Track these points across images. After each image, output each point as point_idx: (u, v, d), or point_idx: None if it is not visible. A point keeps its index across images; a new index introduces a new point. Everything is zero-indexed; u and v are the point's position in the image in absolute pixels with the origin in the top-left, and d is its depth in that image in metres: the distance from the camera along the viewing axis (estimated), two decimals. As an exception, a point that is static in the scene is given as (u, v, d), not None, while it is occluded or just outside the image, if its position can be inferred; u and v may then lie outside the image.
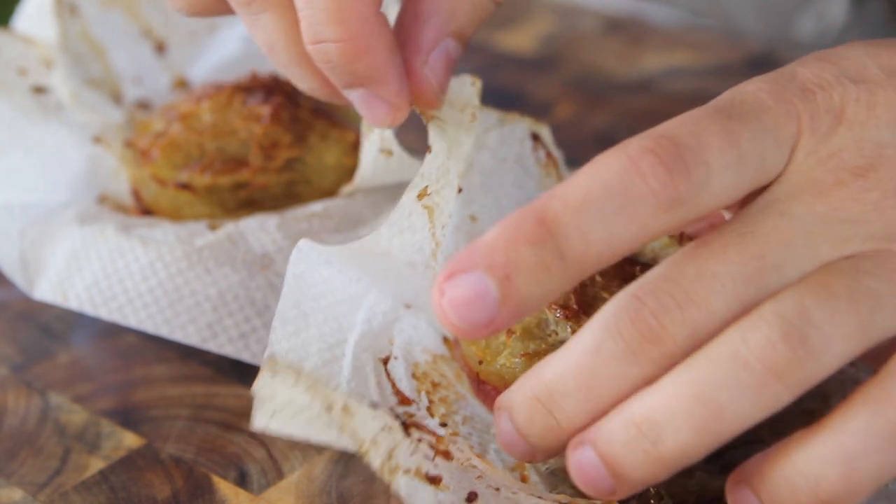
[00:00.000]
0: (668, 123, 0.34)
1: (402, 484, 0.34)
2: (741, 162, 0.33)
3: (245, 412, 0.46)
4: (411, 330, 0.42)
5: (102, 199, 0.52)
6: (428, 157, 0.41)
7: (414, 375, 0.41)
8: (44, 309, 0.52)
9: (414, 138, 0.64)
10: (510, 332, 0.39)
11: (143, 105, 0.57)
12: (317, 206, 0.48)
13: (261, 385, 0.35)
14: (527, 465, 0.38)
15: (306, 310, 0.40)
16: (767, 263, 0.33)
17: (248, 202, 0.50)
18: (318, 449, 0.43)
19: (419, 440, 0.36)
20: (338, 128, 0.51)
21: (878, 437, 0.32)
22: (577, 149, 0.64)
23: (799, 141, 0.35)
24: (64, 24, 0.56)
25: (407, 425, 0.37)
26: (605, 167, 0.33)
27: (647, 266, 0.40)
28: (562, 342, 0.39)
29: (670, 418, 0.32)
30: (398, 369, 0.40)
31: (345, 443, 0.35)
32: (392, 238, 0.41)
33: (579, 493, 0.37)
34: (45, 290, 0.47)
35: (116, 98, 0.57)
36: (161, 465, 0.43)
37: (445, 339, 0.42)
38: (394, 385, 0.40)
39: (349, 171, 0.50)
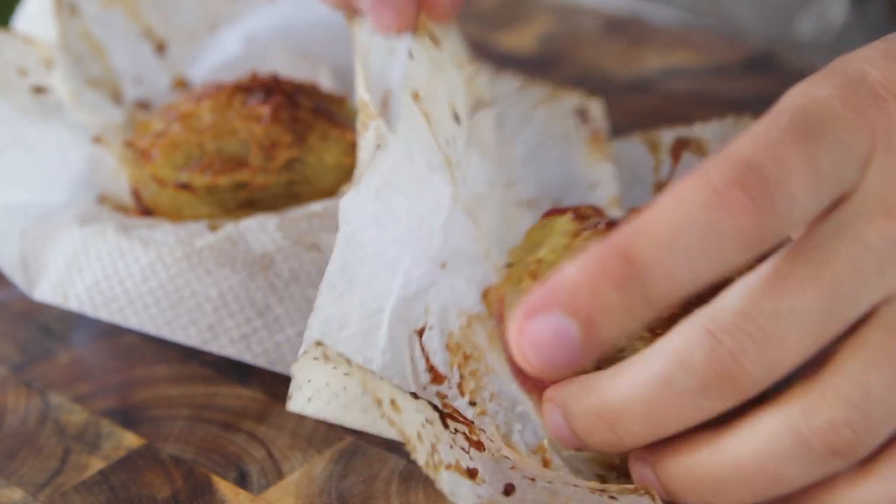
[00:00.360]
0: (747, 145, 0.33)
1: (445, 480, 0.34)
2: (821, 187, 0.33)
3: (245, 412, 0.46)
4: (447, 292, 0.41)
5: (102, 199, 0.52)
6: (410, 61, 0.41)
7: (448, 346, 0.41)
8: (44, 309, 0.52)
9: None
10: None
11: (143, 105, 0.57)
12: (317, 206, 0.48)
13: (299, 367, 0.35)
14: (548, 448, 0.39)
15: (351, 274, 0.39)
16: (843, 296, 0.33)
17: (248, 202, 0.50)
18: (318, 449, 0.43)
19: (455, 431, 0.37)
20: (338, 128, 0.51)
21: None
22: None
23: (872, 158, 0.34)
24: (64, 24, 0.56)
25: (444, 416, 0.37)
26: (690, 200, 0.32)
27: None
28: None
29: (732, 481, 0.34)
30: (433, 341, 0.40)
31: (380, 428, 0.35)
32: (410, 141, 0.41)
33: (602, 477, 0.38)
34: (46, 290, 0.47)
35: (116, 98, 0.57)
36: (161, 465, 0.43)
37: (484, 295, 0.42)
38: (427, 360, 0.40)
39: (349, 171, 0.50)
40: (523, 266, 0.41)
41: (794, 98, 0.35)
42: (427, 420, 0.36)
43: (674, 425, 0.34)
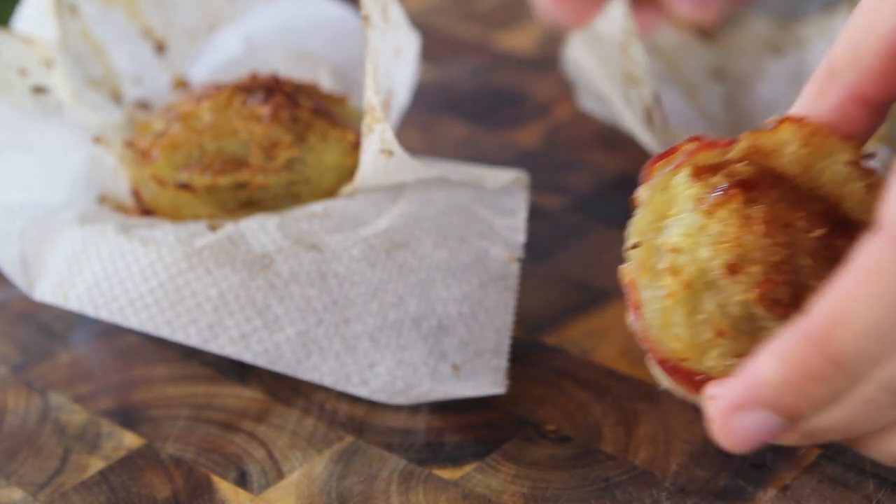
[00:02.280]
0: None
1: None
2: None
3: (245, 412, 0.46)
4: None
5: (102, 199, 0.52)
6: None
7: None
8: (44, 309, 0.52)
9: (414, 138, 0.64)
10: (721, 332, 0.37)
11: (143, 105, 0.57)
12: (317, 206, 0.48)
13: None
14: None
15: None
16: None
17: (248, 202, 0.50)
18: (318, 449, 0.43)
19: None
20: (338, 128, 0.51)
21: None
22: (577, 149, 0.64)
23: None
24: (64, 24, 0.56)
25: None
26: (884, 276, 0.31)
27: (851, 236, 0.37)
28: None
29: None
30: None
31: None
32: None
33: None
34: (46, 290, 0.47)
35: (116, 98, 0.57)
36: (161, 465, 0.43)
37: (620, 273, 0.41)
38: None
39: (349, 171, 0.50)
40: (654, 249, 0.39)
41: None
42: None
43: (867, 429, 0.35)
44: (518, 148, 0.64)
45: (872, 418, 0.34)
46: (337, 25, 0.61)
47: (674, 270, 0.37)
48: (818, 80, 0.40)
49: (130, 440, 0.44)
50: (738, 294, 0.36)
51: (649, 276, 0.38)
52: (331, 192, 0.50)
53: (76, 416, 0.46)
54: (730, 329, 0.37)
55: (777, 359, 0.33)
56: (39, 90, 0.54)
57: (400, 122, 0.54)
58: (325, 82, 0.58)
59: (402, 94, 0.53)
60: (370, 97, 0.45)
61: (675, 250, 0.38)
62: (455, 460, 0.42)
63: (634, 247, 0.39)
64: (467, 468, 0.42)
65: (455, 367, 0.45)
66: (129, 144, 0.52)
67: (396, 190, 0.48)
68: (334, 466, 0.42)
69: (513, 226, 0.48)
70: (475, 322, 0.46)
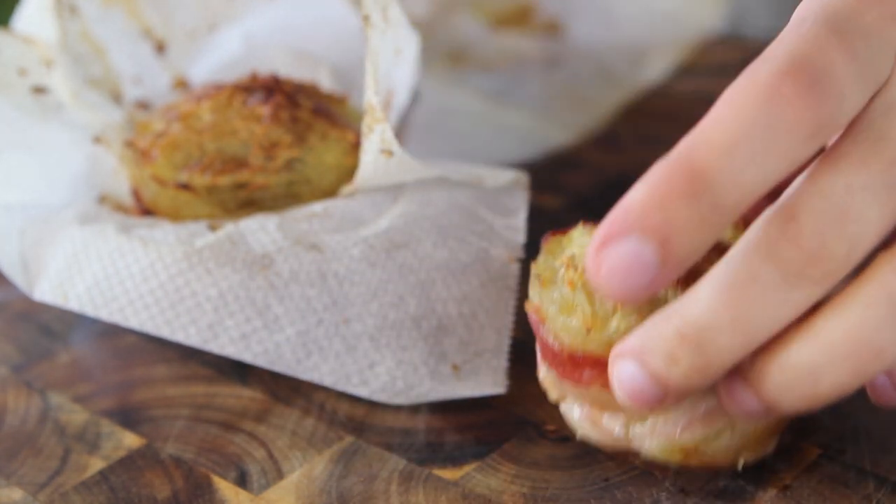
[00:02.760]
0: (786, 43, 0.33)
1: None
2: (863, 72, 0.33)
3: (245, 412, 0.46)
4: None
5: (102, 199, 0.52)
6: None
7: None
8: (44, 309, 0.52)
9: (414, 138, 0.64)
10: None
11: (143, 105, 0.57)
12: (317, 206, 0.48)
13: None
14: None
15: None
16: None
17: (248, 202, 0.50)
18: (318, 449, 0.43)
19: None
20: (338, 128, 0.51)
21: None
22: (577, 149, 0.64)
23: None
24: (64, 24, 0.56)
25: None
26: (744, 101, 0.32)
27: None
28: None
29: (829, 363, 0.33)
30: None
31: None
32: None
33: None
34: (46, 290, 0.47)
35: (116, 98, 0.57)
36: (161, 465, 0.43)
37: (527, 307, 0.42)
38: None
39: (349, 171, 0.50)
40: (553, 272, 0.41)
41: (812, 4, 0.35)
42: None
43: (764, 329, 0.33)
44: (518, 148, 0.64)
45: (757, 302, 0.33)
46: (337, 25, 0.61)
47: (571, 267, 0.39)
48: None
49: (130, 440, 0.44)
50: None
51: (549, 286, 0.40)
52: (331, 192, 0.50)
53: (76, 416, 0.46)
54: None
55: (645, 183, 0.32)
56: (39, 90, 0.54)
57: (400, 121, 0.54)
58: (325, 82, 0.59)
59: (402, 94, 0.53)
60: (370, 97, 0.45)
61: (571, 258, 0.40)
62: (455, 460, 0.42)
63: (536, 277, 0.41)
64: (467, 468, 0.42)
65: (455, 367, 0.45)
66: (129, 144, 0.52)
67: (396, 190, 0.48)
68: (334, 466, 0.42)
69: (513, 226, 0.48)
70: (475, 322, 0.46)
